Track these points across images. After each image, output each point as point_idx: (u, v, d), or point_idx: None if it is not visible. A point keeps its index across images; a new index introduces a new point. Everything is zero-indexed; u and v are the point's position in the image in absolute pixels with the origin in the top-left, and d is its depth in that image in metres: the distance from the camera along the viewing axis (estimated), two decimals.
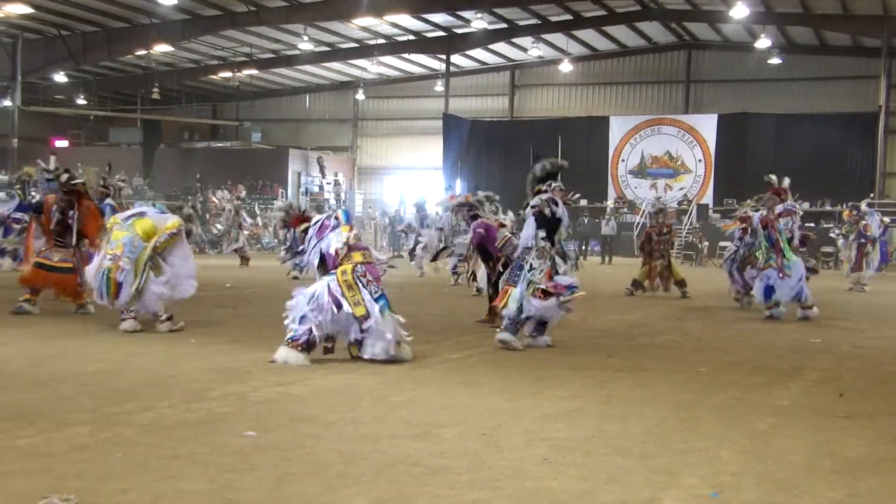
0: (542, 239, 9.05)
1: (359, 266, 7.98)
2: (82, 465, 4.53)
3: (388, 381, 7.10)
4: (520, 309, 8.97)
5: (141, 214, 9.95)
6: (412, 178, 42.69)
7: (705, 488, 4.44)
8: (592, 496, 4.28)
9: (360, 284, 7.88)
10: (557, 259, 9.16)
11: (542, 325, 9.22)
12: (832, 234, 27.94)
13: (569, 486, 4.41)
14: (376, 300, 7.86)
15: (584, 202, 36.31)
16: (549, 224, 9.09)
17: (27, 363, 7.55)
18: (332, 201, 40.18)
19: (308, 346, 7.76)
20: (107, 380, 6.86)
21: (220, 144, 44.23)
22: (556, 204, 9.17)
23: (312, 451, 4.90)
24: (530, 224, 9.20)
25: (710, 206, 35.15)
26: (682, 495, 4.33)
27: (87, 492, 4.09)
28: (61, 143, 44.22)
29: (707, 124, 36.52)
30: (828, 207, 32.94)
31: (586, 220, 32.98)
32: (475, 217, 11.71)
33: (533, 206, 9.20)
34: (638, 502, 4.22)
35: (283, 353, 7.74)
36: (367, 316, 7.79)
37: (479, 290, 12.18)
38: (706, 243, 30.61)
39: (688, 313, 13.22)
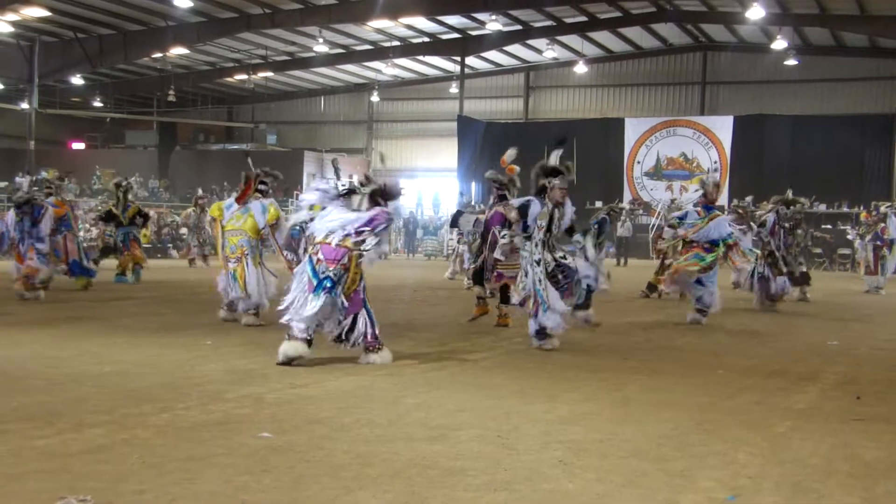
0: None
1: (316, 246, 7.93)
2: (99, 465, 4.55)
3: (403, 383, 7.10)
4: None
5: (245, 212, 10.73)
6: (427, 180, 42.73)
7: (723, 491, 4.42)
8: (609, 499, 4.26)
9: (310, 266, 7.82)
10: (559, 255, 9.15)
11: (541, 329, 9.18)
12: (849, 236, 27.81)
13: (585, 489, 4.39)
14: (318, 283, 7.72)
15: (599, 203, 36.28)
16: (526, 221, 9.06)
17: (44, 364, 7.59)
18: None
19: (309, 339, 7.80)
20: (123, 381, 6.89)
21: (235, 147, 44.35)
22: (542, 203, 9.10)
23: (328, 453, 4.90)
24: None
25: (726, 207, 34.99)
26: (700, 499, 4.31)
27: (104, 492, 4.10)
28: (78, 146, 44.54)
29: (723, 126, 36.38)
30: (844, 209, 32.77)
31: None
32: (503, 197, 11.16)
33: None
34: None
35: (283, 347, 7.80)
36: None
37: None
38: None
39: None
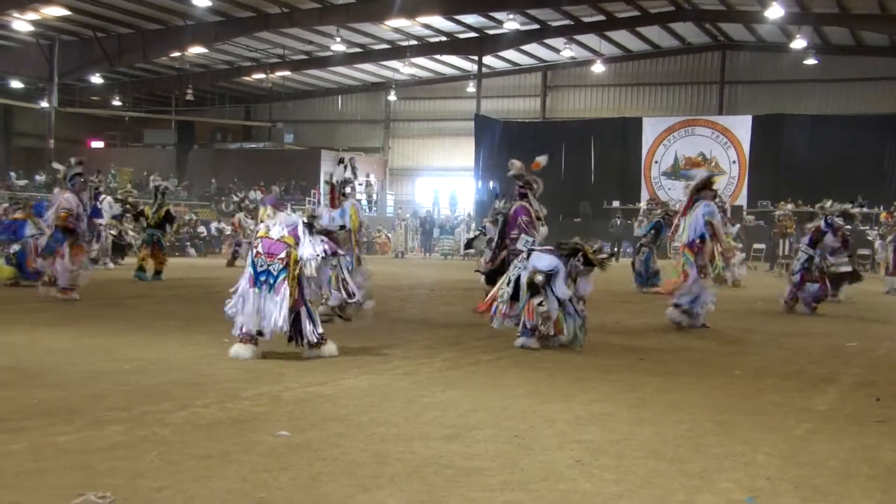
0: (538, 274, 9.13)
1: (259, 242, 8.13)
2: (118, 462, 4.58)
3: (419, 383, 7.11)
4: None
5: (339, 216, 11.30)
6: (444, 179, 42.76)
7: (741, 493, 4.40)
8: (626, 499, 4.25)
9: (251, 260, 8.08)
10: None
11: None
12: (869, 237, 27.61)
13: (602, 489, 4.38)
14: (256, 276, 7.97)
15: (616, 203, 36.14)
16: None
17: (63, 361, 7.63)
18: (364, 202, 40.36)
19: (252, 338, 8.06)
20: (141, 379, 6.93)
21: (252, 145, 44.50)
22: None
23: (345, 451, 4.91)
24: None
25: (745, 207, 34.81)
26: (717, 500, 4.29)
27: (123, 489, 4.12)
28: (97, 144, 44.78)
29: (741, 125, 36.18)
30: (865, 209, 32.50)
31: (619, 222, 32.81)
32: (524, 195, 11.47)
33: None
34: None
35: (235, 349, 8.06)
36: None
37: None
38: (740, 245, 30.31)
39: (721, 316, 13.09)
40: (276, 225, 8.24)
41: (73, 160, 13.92)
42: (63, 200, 13.26)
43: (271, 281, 7.95)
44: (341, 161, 11.91)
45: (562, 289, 9.00)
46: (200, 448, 4.89)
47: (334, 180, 11.97)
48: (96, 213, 20.69)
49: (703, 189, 11.66)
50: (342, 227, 10.67)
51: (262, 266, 8.01)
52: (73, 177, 13.43)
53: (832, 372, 8.40)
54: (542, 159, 11.84)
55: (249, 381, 6.93)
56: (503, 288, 9.45)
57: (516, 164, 11.70)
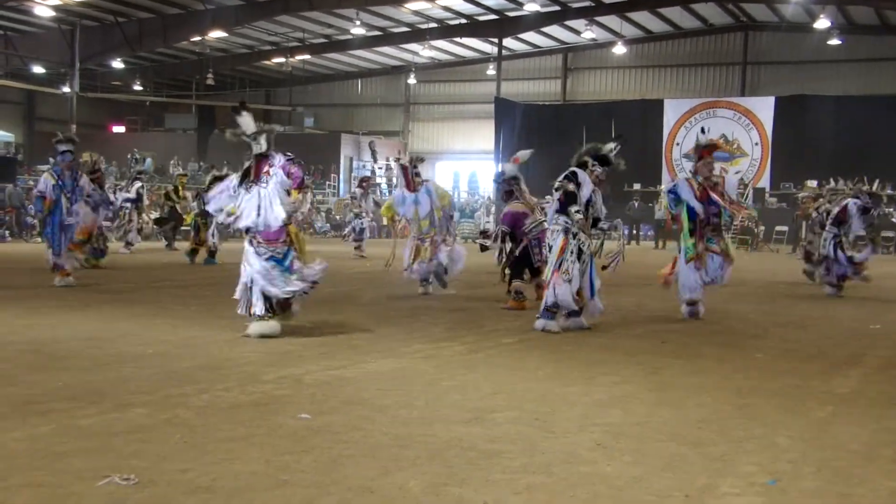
0: (577, 212, 9.00)
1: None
2: (142, 445, 4.62)
3: (440, 366, 7.12)
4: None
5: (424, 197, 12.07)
6: (464, 163, 42.70)
7: (763, 476, 4.39)
8: (648, 482, 4.25)
9: (252, 249, 8.31)
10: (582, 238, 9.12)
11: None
12: (894, 219, 27.37)
13: (623, 472, 4.38)
14: (266, 260, 8.27)
15: (637, 186, 36.00)
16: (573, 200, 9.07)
17: (88, 345, 7.71)
18: (385, 186, 40.40)
19: (274, 312, 8.33)
20: (164, 362, 6.98)
21: None
22: (576, 182, 9.14)
23: (366, 434, 4.93)
24: (552, 206, 9.30)
25: (767, 189, 34.59)
26: (740, 483, 4.28)
27: (147, 471, 4.16)
28: (118, 129, 45.02)
29: (764, 107, 35.86)
30: (889, 191, 32.18)
31: (636, 205, 32.64)
32: (510, 193, 11.67)
33: (556, 189, 9.24)
34: (694, 489, 4.17)
35: (257, 327, 8.22)
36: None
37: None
38: (762, 228, 30.11)
39: (743, 299, 13.05)
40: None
41: (59, 135, 13.07)
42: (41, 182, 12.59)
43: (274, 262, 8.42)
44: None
45: (588, 187, 9.18)
46: (223, 431, 4.93)
47: (405, 161, 12.43)
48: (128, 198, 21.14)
49: (700, 159, 10.73)
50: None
51: (264, 254, 8.38)
52: (62, 153, 12.60)
53: (855, 354, 8.36)
54: (522, 154, 12.16)
55: (271, 364, 6.97)
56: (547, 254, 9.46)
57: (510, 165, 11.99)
